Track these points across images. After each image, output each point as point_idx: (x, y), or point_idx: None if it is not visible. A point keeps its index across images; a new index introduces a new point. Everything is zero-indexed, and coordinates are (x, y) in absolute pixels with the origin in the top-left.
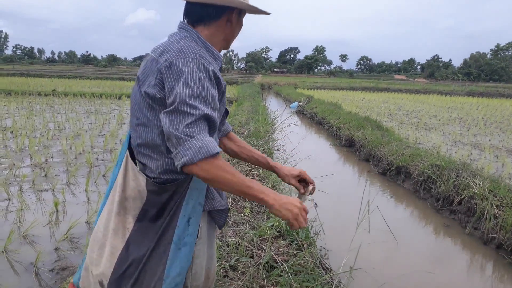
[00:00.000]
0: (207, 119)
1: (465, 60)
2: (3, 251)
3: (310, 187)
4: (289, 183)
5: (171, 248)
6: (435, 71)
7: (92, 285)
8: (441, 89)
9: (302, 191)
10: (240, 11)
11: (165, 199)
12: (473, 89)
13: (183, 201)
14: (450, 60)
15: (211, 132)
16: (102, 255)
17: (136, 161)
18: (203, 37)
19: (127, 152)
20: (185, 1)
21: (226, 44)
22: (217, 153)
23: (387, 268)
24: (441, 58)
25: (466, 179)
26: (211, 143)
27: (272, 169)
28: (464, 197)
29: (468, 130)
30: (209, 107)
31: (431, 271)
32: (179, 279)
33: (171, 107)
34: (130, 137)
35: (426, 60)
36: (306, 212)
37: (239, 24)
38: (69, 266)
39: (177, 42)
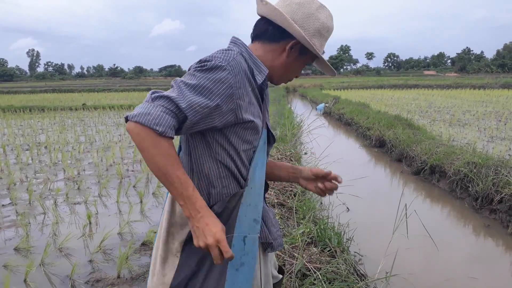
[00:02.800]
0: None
1: (498, 51)
2: (40, 265)
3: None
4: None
5: (227, 271)
6: (466, 64)
7: None
8: (474, 83)
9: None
10: (303, 48)
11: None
12: (509, 80)
13: (236, 219)
14: (482, 52)
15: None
16: (162, 271)
17: None
18: (252, 51)
19: None
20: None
21: (272, 74)
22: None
23: (426, 274)
24: (472, 50)
25: (506, 176)
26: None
27: (294, 179)
28: (505, 195)
29: (505, 124)
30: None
31: (473, 276)
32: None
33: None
34: None
35: (457, 53)
36: (224, 249)
37: (297, 62)
38: (103, 278)
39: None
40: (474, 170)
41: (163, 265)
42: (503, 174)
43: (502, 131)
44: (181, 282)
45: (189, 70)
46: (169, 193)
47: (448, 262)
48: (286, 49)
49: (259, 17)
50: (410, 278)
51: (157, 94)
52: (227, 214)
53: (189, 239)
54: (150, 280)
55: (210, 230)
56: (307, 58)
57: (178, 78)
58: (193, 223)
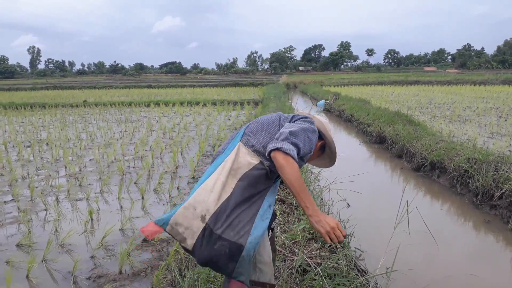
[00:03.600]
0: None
1: (498, 47)
2: (42, 261)
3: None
4: None
5: (257, 217)
6: (467, 60)
7: (191, 219)
8: (474, 79)
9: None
10: (324, 145)
11: (260, 176)
12: (509, 77)
13: (269, 191)
14: (482, 48)
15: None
16: (210, 197)
17: (254, 148)
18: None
19: (240, 142)
20: None
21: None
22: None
23: (426, 270)
24: (473, 46)
25: (506, 172)
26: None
27: None
28: (505, 190)
29: (506, 120)
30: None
31: (473, 272)
32: (257, 241)
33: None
34: (243, 134)
35: (457, 49)
36: (341, 231)
37: (316, 152)
38: (105, 273)
39: None
40: (475, 166)
41: (223, 189)
42: (503, 170)
43: (503, 127)
44: (229, 204)
45: None
46: (230, 152)
47: (448, 258)
48: (318, 145)
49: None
50: (411, 274)
51: None
52: (267, 184)
53: (243, 179)
54: (206, 195)
55: (329, 220)
56: (324, 152)
57: None
58: (314, 219)
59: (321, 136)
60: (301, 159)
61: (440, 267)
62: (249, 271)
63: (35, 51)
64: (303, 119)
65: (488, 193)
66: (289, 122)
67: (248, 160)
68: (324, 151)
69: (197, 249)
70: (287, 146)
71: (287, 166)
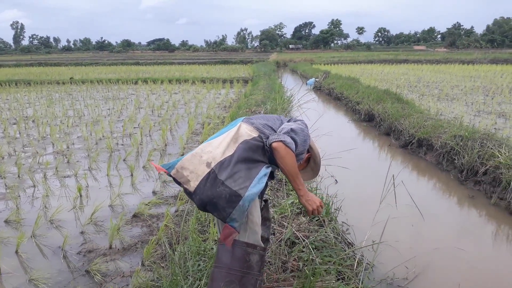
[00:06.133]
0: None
1: (488, 27)
2: (31, 236)
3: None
4: None
5: (255, 179)
6: (456, 39)
7: (197, 164)
8: (463, 58)
9: None
10: (309, 159)
11: (258, 146)
12: (497, 56)
13: (265, 166)
14: (472, 27)
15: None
16: (217, 150)
17: (254, 126)
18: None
19: (241, 122)
20: None
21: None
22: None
23: (412, 243)
24: (462, 25)
25: (491, 148)
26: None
27: None
28: (489, 167)
29: (492, 98)
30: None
31: (457, 244)
32: (252, 197)
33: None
34: (243, 119)
35: (447, 28)
36: (323, 208)
37: (303, 164)
38: (95, 248)
39: None
40: (461, 143)
41: (227, 148)
42: (488, 146)
43: (489, 106)
44: (233, 158)
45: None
46: (232, 126)
47: (433, 231)
48: (306, 157)
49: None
50: (397, 246)
51: None
52: (265, 156)
53: (245, 142)
54: (212, 148)
55: (315, 200)
56: (309, 162)
57: None
58: (305, 198)
59: (308, 149)
60: (296, 157)
61: (425, 240)
62: (241, 220)
63: (19, 27)
64: (302, 121)
65: (472, 170)
66: (288, 122)
67: (248, 132)
68: (308, 164)
69: (199, 190)
70: (289, 140)
71: (287, 157)
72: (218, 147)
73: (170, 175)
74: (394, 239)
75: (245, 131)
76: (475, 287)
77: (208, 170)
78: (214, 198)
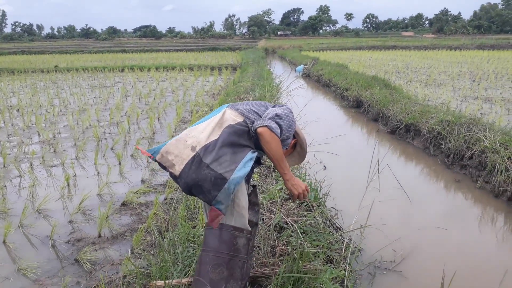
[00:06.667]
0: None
1: (475, 12)
2: (19, 226)
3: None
4: None
5: (242, 161)
6: (444, 25)
7: (182, 148)
8: (450, 44)
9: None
10: (295, 144)
11: (243, 131)
12: (484, 42)
13: (250, 151)
14: (459, 13)
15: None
16: (201, 134)
17: (239, 111)
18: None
19: (226, 108)
20: None
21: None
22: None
23: (399, 225)
24: (450, 11)
25: (477, 133)
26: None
27: None
28: (475, 151)
29: (479, 84)
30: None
31: (443, 227)
32: (238, 180)
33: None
34: (228, 105)
35: (435, 14)
36: (308, 192)
37: (289, 150)
38: (84, 237)
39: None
40: (447, 128)
41: (212, 132)
42: (474, 131)
43: (476, 91)
44: (218, 142)
45: None
46: (217, 112)
47: (420, 214)
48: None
49: None
50: (384, 228)
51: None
52: (251, 141)
53: (230, 127)
54: (197, 133)
55: (301, 184)
56: (296, 148)
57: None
58: (291, 182)
59: (294, 135)
60: (282, 142)
61: (412, 222)
62: (227, 202)
63: (0, 14)
64: (286, 106)
65: (459, 154)
66: (273, 107)
67: (233, 117)
68: (294, 149)
69: (185, 173)
70: (274, 125)
71: (272, 142)
72: (203, 131)
73: (156, 160)
74: (382, 223)
75: (230, 116)
76: (461, 267)
77: (193, 154)
78: (199, 181)
